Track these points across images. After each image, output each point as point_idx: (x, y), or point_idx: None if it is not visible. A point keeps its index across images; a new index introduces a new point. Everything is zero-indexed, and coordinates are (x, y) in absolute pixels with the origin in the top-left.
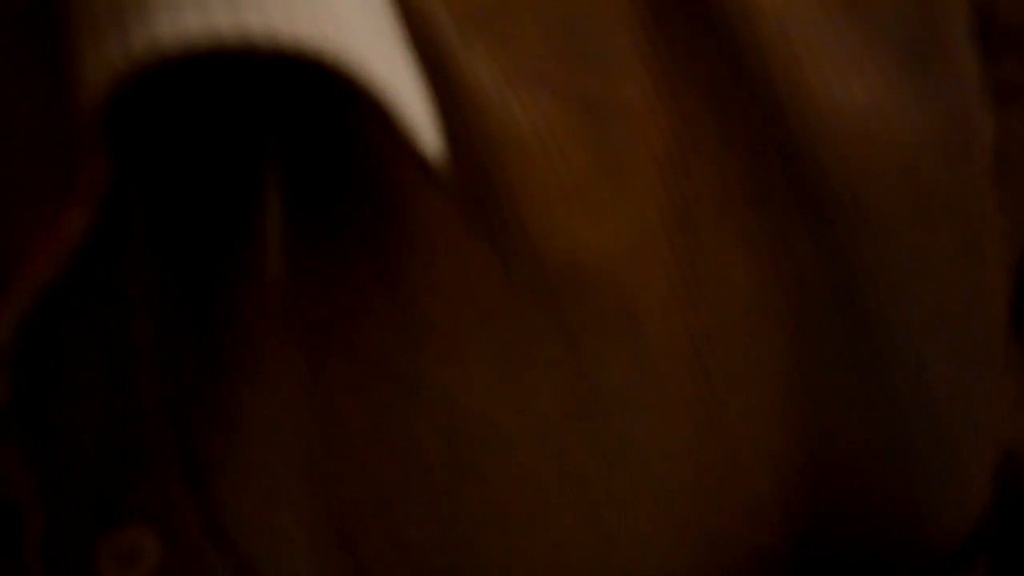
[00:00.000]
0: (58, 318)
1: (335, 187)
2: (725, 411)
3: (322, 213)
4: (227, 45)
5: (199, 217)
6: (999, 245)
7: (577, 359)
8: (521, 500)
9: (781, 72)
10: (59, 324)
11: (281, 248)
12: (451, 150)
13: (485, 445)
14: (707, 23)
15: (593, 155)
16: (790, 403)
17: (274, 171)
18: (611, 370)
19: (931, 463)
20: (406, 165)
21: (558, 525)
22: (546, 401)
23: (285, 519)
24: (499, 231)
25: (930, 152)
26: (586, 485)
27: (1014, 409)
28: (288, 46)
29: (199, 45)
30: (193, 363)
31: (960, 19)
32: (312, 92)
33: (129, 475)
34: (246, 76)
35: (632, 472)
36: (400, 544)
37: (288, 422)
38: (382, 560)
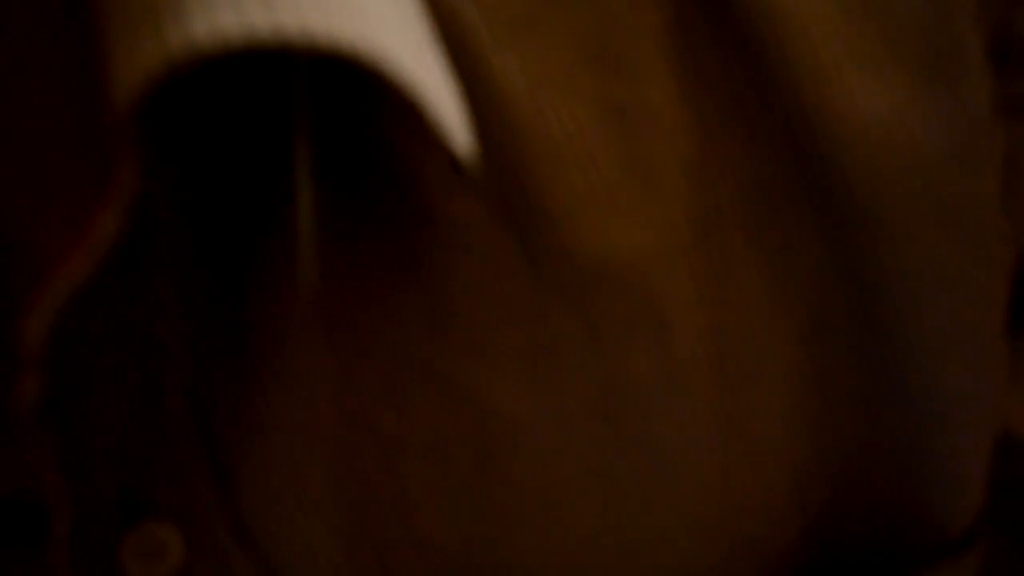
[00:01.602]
0: (87, 316)
1: (365, 187)
2: (743, 412)
3: (351, 213)
4: (263, 44)
5: (229, 216)
6: (1003, 250)
7: (603, 359)
8: (546, 499)
9: (808, 81)
10: (88, 322)
11: (314, 248)
12: (482, 152)
13: (511, 444)
14: (733, 33)
15: (622, 159)
16: (804, 403)
17: (304, 169)
18: (636, 370)
19: (939, 457)
20: (437, 165)
21: (582, 525)
22: (572, 401)
23: (310, 519)
24: (529, 232)
25: (949, 162)
26: (610, 485)
27: (1004, 393)
28: (324, 44)
29: (235, 44)
30: (221, 362)
31: (978, 34)
32: (341, 90)
33: (155, 473)
34: (272, 72)
35: (655, 472)
36: (425, 543)
37: (315, 422)
38: (407, 560)
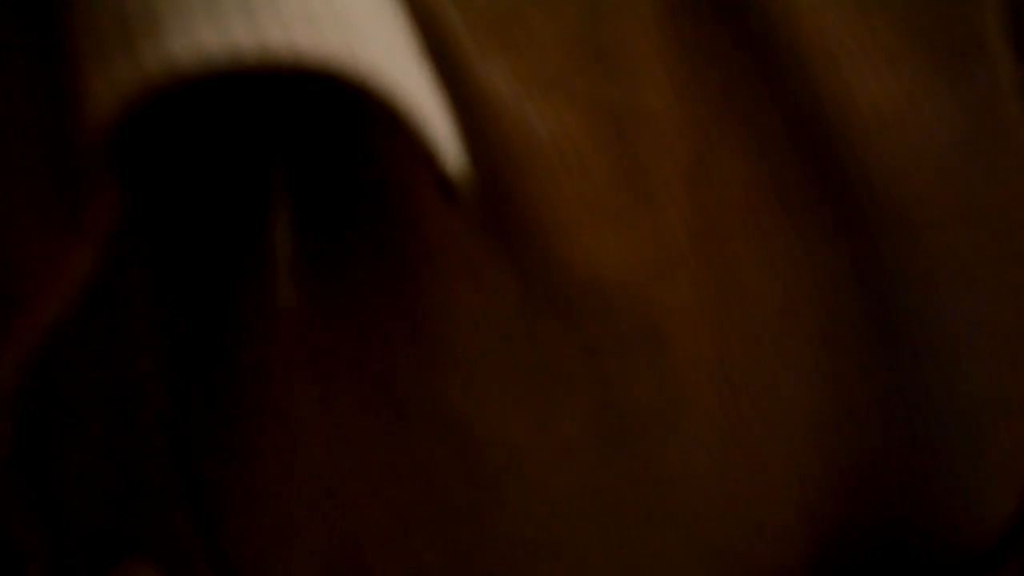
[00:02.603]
0: (57, 352)
1: (347, 209)
2: (751, 428)
3: (334, 236)
4: (247, 63)
5: (204, 246)
6: None
7: (601, 379)
8: (543, 525)
9: (815, 70)
10: (58, 358)
11: (291, 275)
12: (468, 162)
13: (505, 469)
14: (733, 22)
15: (615, 166)
16: (816, 417)
17: (282, 193)
18: (636, 390)
19: (963, 466)
20: (421, 183)
21: (581, 550)
22: (569, 423)
23: (297, 552)
24: (518, 248)
25: (968, 152)
26: (611, 509)
27: None
28: (313, 63)
29: (217, 64)
30: (201, 396)
31: (993, 17)
32: (318, 108)
33: (134, 510)
34: (246, 92)
35: (659, 494)
36: (419, 573)
37: (300, 454)
38: None
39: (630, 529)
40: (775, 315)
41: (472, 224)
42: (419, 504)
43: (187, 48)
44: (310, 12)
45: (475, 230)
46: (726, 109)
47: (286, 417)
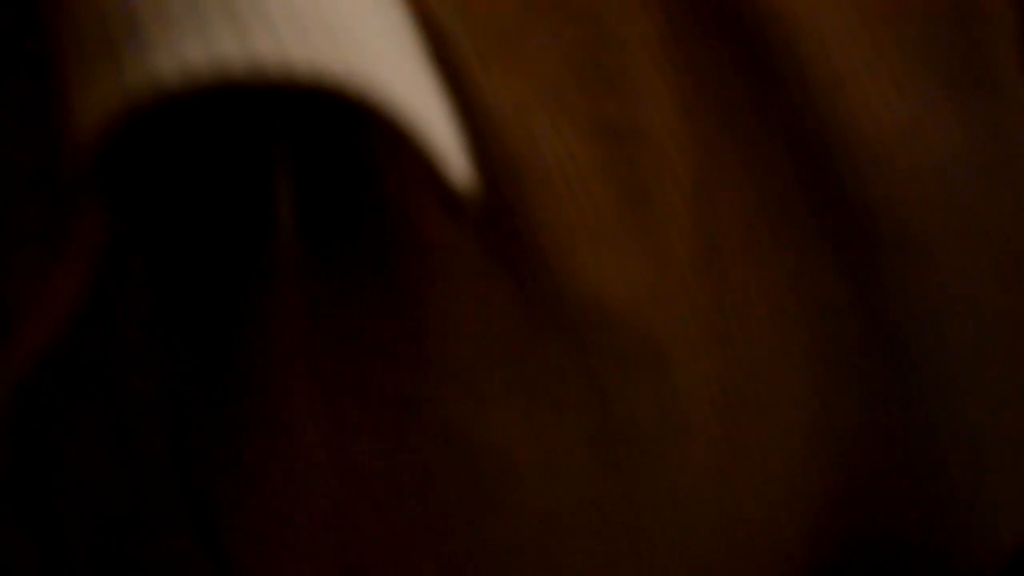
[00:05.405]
0: (55, 370)
1: (349, 223)
2: (750, 449)
3: (338, 251)
4: (236, 79)
5: (203, 260)
6: None
7: (599, 397)
8: (540, 540)
9: (819, 88)
10: (57, 376)
11: (295, 286)
12: (472, 178)
13: (504, 484)
14: (736, 40)
15: (617, 186)
16: (816, 440)
17: (286, 202)
18: (636, 410)
19: (966, 491)
20: (424, 197)
21: (578, 567)
22: (568, 440)
23: (300, 567)
24: (520, 265)
25: (972, 174)
26: (608, 526)
27: None
28: (306, 77)
29: (203, 79)
30: (203, 412)
31: (1007, 41)
32: (323, 118)
33: (135, 527)
34: (251, 102)
35: (656, 513)
36: None
37: (303, 468)
38: None
39: (626, 546)
40: (775, 337)
41: (474, 241)
42: (418, 516)
43: (172, 63)
44: (304, 22)
45: (477, 247)
46: (728, 129)
47: (289, 432)
